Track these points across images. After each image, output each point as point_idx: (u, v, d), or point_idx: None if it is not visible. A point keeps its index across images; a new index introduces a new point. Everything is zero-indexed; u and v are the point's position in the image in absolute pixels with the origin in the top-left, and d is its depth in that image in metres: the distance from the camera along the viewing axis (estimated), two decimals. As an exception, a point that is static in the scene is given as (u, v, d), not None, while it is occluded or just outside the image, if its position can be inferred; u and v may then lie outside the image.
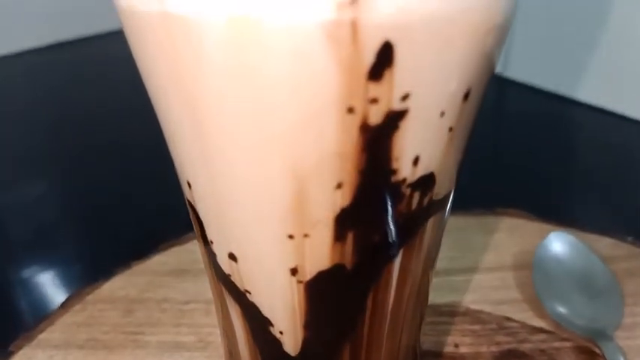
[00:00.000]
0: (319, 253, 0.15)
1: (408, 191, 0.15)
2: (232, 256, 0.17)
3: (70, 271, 0.35)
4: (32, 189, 0.41)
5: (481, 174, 0.40)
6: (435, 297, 0.28)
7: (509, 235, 0.36)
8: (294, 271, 0.16)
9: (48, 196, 0.41)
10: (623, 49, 0.47)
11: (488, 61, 0.14)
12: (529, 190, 0.41)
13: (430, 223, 0.17)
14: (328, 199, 0.14)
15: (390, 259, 0.16)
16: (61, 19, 0.62)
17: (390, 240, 0.16)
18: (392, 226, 0.15)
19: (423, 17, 0.12)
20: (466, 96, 0.14)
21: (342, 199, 0.14)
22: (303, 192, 0.14)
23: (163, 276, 0.34)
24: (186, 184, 0.16)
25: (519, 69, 0.54)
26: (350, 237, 0.15)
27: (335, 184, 0.14)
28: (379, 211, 0.15)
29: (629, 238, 0.35)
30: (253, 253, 0.16)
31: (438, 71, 0.13)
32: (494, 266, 0.33)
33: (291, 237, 0.15)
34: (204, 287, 0.30)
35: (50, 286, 0.33)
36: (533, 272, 0.30)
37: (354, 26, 0.11)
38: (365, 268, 0.16)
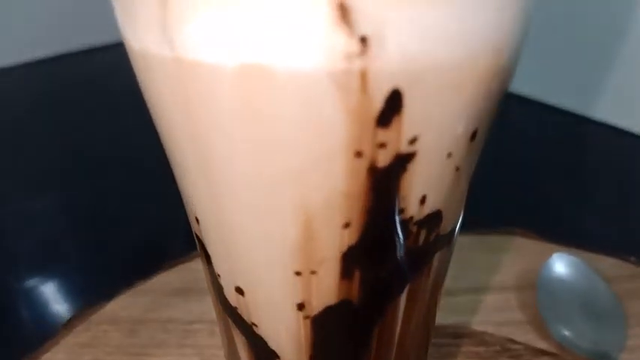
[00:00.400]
0: (326, 289, 0.15)
1: (415, 228, 0.15)
2: (239, 290, 0.17)
3: (73, 291, 0.35)
4: (34, 205, 0.41)
5: (484, 192, 0.40)
6: (438, 318, 0.28)
7: (512, 255, 0.36)
8: (300, 307, 0.16)
9: (49, 213, 0.41)
10: (634, 65, 0.48)
11: (495, 101, 0.14)
12: (533, 209, 0.41)
13: (437, 257, 0.17)
14: (336, 237, 0.14)
15: (398, 293, 0.16)
16: (59, 30, 0.62)
17: (397, 275, 0.16)
18: (399, 262, 0.15)
19: (431, 65, 0.12)
20: (473, 136, 0.14)
21: (349, 237, 0.14)
22: (310, 230, 0.14)
23: (167, 296, 0.34)
24: (194, 219, 0.16)
25: (523, 83, 0.55)
26: (357, 273, 0.15)
27: (343, 222, 0.14)
28: (386, 249, 0.15)
29: (632, 258, 0.35)
30: (260, 287, 0.16)
31: (446, 115, 0.13)
32: (497, 286, 0.33)
33: (298, 273, 0.15)
34: (208, 307, 0.30)
35: (53, 305, 0.33)
36: (538, 294, 0.30)
37: (363, 75, 0.11)
38: (372, 304, 0.16)
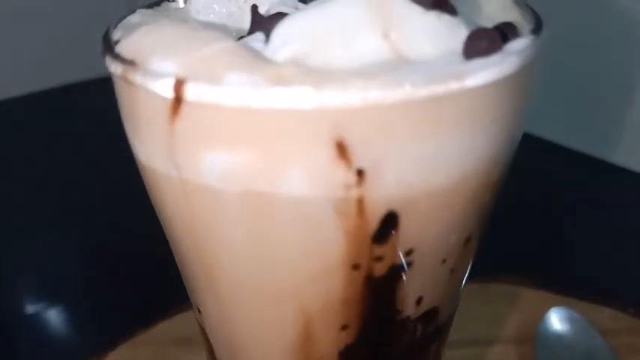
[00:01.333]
0: (325, 383, 0.16)
1: (412, 325, 0.15)
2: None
3: (74, 340, 0.35)
4: (32, 253, 0.41)
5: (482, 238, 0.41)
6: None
7: (510, 305, 0.36)
8: (299, 397, 0.16)
9: (48, 261, 0.41)
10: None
11: (488, 210, 0.14)
12: (532, 256, 0.41)
13: (435, 343, 0.17)
14: (333, 338, 0.15)
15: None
16: (57, 64, 0.63)
17: (395, 366, 0.16)
18: (397, 355, 0.16)
19: (425, 190, 0.12)
20: (467, 241, 0.14)
21: (347, 337, 0.15)
22: (309, 332, 0.14)
23: (169, 345, 0.34)
24: (197, 309, 0.17)
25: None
26: (355, 368, 0.16)
27: (341, 325, 0.14)
28: (384, 344, 0.15)
29: (631, 309, 0.35)
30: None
31: (440, 229, 0.13)
32: (497, 339, 0.34)
33: (297, 368, 0.15)
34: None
35: (53, 357, 0.33)
36: (536, 351, 0.30)
37: (360, 202, 0.12)
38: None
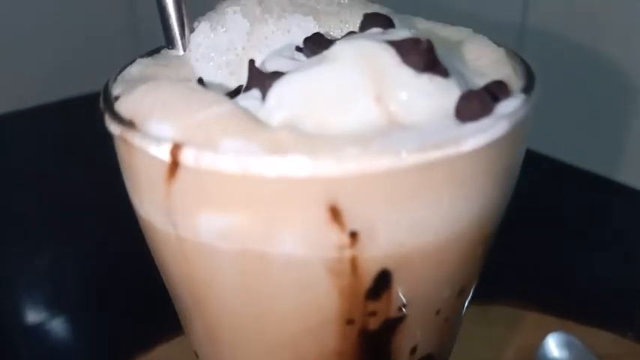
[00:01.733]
0: None
1: (407, 372, 0.15)
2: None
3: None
4: (33, 273, 0.41)
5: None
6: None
7: (509, 329, 0.36)
8: None
9: (50, 283, 0.41)
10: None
11: (481, 261, 0.14)
12: (529, 279, 0.41)
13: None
14: (330, 386, 0.15)
15: None
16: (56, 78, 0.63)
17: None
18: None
19: (418, 249, 0.12)
20: (460, 292, 0.15)
21: (342, 385, 0.15)
22: (305, 381, 0.15)
23: (169, 369, 0.34)
24: (194, 351, 0.17)
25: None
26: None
27: (336, 374, 0.15)
28: (379, 391, 0.16)
29: (630, 334, 0.35)
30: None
31: (433, 284, 0.13)
32: (495, 364, 0.34)
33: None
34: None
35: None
36: (534, 377, 0.30)
37: (353, 261, 0.12)
38: None
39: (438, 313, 0.14)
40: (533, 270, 0.42)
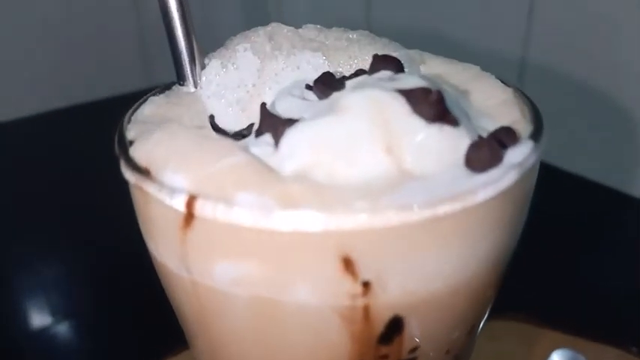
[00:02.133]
0: None
1: (416, 407, 0.16)
2: None
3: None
4: (39, 286, 0.42)
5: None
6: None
7: (516, 344, 0.36)
8: None
9: (55, 296, 0.41)
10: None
11: (489, 302, 0.15)
12: (535, 294, 0.41)
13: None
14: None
15: None
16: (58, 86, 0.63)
17: None
18: None
19: (429, 295, 0.13)
20: (470, 331, 0.15)
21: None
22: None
23: (177, 384, 0.34)
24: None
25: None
26: None
27: (347, 412, 0.15)
28: None
29: (634, 349, 0.35)
30: None
31: (443, 327, 0.14)
32: (502, 380, 0.34)
33: None
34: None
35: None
36: (540, 395, 0.30)
37: (366, 309, 0.12)
38: None
39: (447, 352, 0.15)
40: (540, 285, 0.42)
